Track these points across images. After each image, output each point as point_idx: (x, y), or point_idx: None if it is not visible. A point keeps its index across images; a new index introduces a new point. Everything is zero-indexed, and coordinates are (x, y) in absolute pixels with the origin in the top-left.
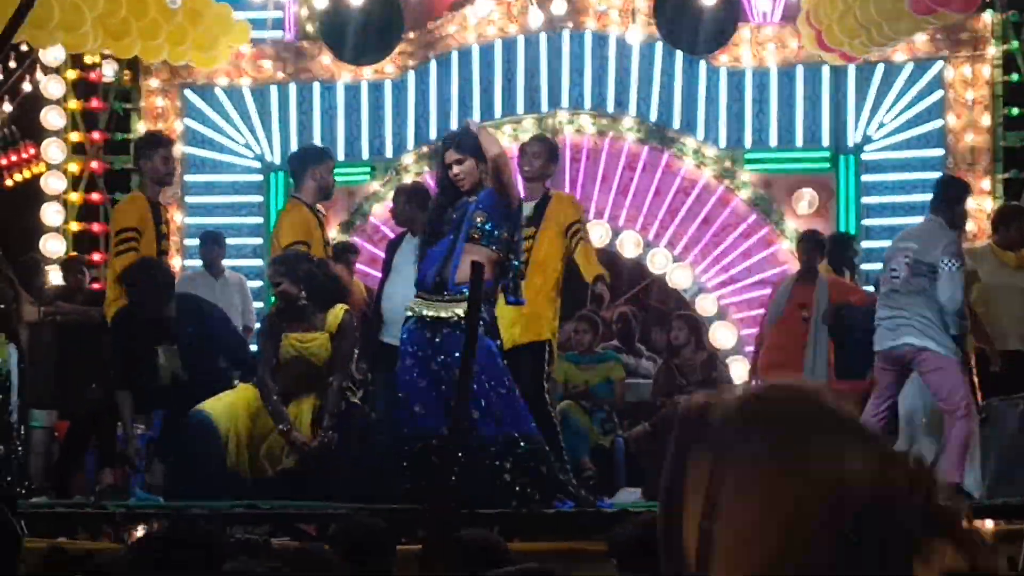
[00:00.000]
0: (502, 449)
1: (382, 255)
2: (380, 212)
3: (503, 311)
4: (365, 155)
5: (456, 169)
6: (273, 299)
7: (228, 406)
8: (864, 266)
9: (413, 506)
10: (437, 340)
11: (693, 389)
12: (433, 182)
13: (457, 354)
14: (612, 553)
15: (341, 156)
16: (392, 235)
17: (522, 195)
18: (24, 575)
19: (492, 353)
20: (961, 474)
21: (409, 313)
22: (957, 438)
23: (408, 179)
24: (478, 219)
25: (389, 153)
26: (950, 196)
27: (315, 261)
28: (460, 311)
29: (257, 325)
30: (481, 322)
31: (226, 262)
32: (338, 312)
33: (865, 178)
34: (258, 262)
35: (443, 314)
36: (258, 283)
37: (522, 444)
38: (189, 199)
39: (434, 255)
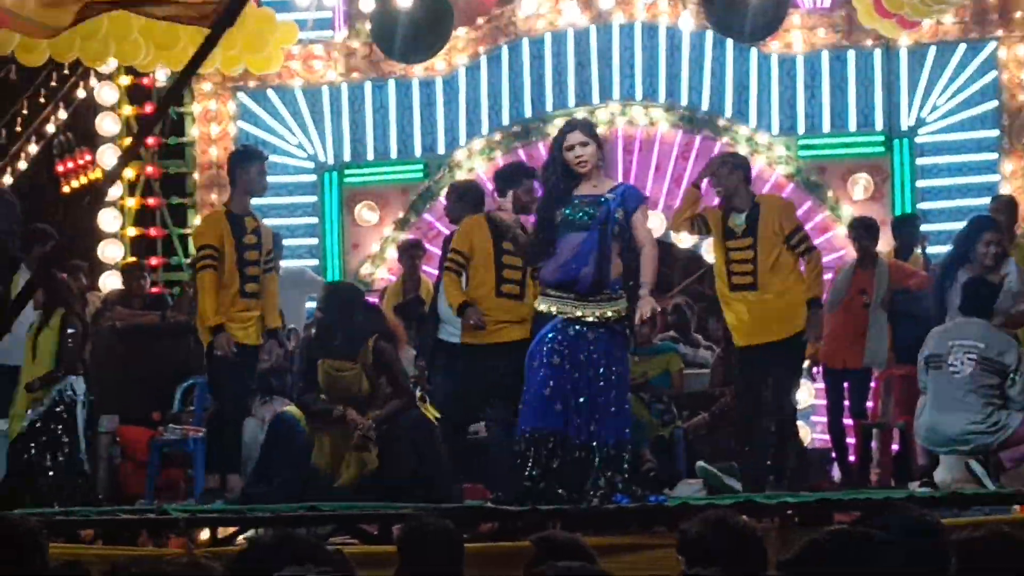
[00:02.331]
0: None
1: (437, 252)
2: (434, 209)
3: None
4: (418, 152)
5: (581, 151)
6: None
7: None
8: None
9: (479, 504)
10: (593, 339)
11: None
12: (492, 173)
13: (613, 351)
14: (681, 550)
15: (394, 154)
16: (447, 232)
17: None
18: None
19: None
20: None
21: (554, 311)
22: None
23: (460, 175)
24: (619, 215)
25: (441, 150)
26: (985, 298)
27: (358, 296)
28: (612, 311)
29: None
30: (622, 323)
31: (282, 263)
32: (368, 344)
33: (920, 161)
34: (313, 262)
35: (599, 313)
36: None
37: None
38: None
39: (580, 254)
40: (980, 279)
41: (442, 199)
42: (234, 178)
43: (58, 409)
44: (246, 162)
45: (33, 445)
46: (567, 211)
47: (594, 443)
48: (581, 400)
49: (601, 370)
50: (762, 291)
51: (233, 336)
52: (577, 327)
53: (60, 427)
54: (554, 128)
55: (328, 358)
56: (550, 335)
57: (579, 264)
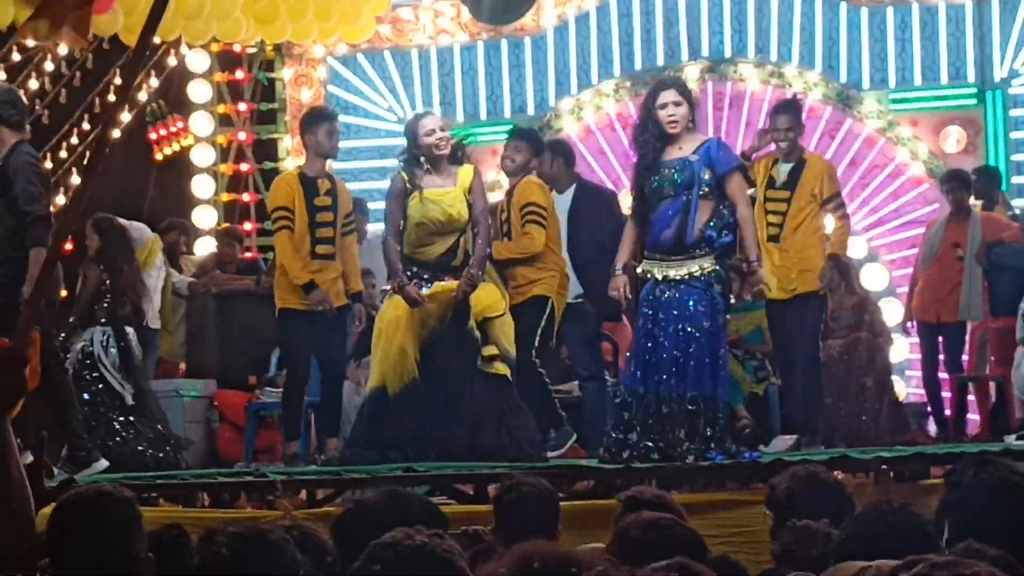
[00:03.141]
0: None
1: None
2: None
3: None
4: (507, 114)
5: (673, 111)
6: None
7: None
8: (1016, 201)
9: (575, 463)
10: (676, 296)
11: (846, 333)
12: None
13: (693, 306)
14: (769, 504)
15: (483, 116)
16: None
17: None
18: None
19: (718, 311)
20: None
21: (646, 275)
22: None
23: (550, 136)
24: (706, 175)
25: (531, 111)
26: None
27: None
28: (698, 267)
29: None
30: (709, 279)
31: (370, 227)
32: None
33: (1013, 113)
34: None
35: (683, 272)
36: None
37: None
38: (336, 165)
39: (665, 219)
40: None
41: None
42: (305, 141)
43: (82, 368)
44: (313, 124)
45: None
46: (655, 180)
47: (676, 397)
48: (664, 356)
49: (682, 325)
50: (783, 245)
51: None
52: (662, 287)
53: (87, 384)
54: (643, 88)
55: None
56: (642, 297)
57: (662, 227)
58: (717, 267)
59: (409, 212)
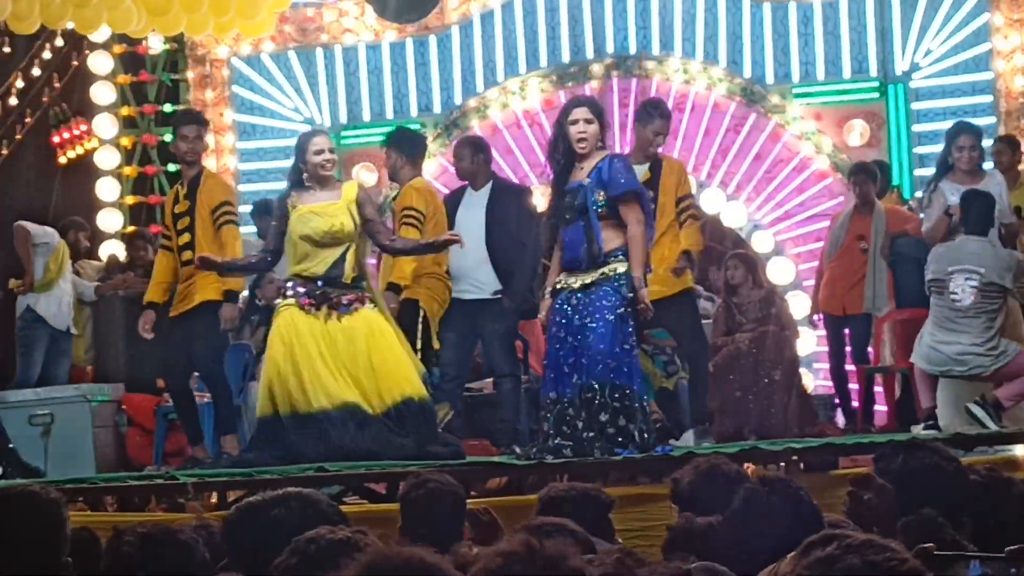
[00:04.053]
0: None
1: None
2: (433, 169)
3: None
4: (414, 112)
5: (584, 128)
6: None
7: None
8: (919, 193)
9: (486, 460)
10: (587, 300)
11: (753, 327)
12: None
13: (598, 301)
14: (674, 498)
15: (390, 114)
16: (446, 190)
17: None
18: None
19: (625, 305)
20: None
21: (560, 287)
22: None
23: (458, 133)
24: (599, 197)
25: (437, 109)
26: (983, 211)
27: None
28: (609, 269)
29: None
30: (613, 280)
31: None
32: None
33: (915, 106)
34: None
35: (593, 277)
36: None
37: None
38: (242, 166)
39: (575, 241)
40: (975, 192)
41: (441, 157)
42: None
43: None
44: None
45: None
46: (561, 205)
47: (582, 389)
48: (572, 360)
49: (588, 322)
50: (652, 246)
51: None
52: (577, 294)
53: None
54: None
55: None
56: (555, 306)
57: (571, 251)
58: (627, 267)
59: (291, 228)
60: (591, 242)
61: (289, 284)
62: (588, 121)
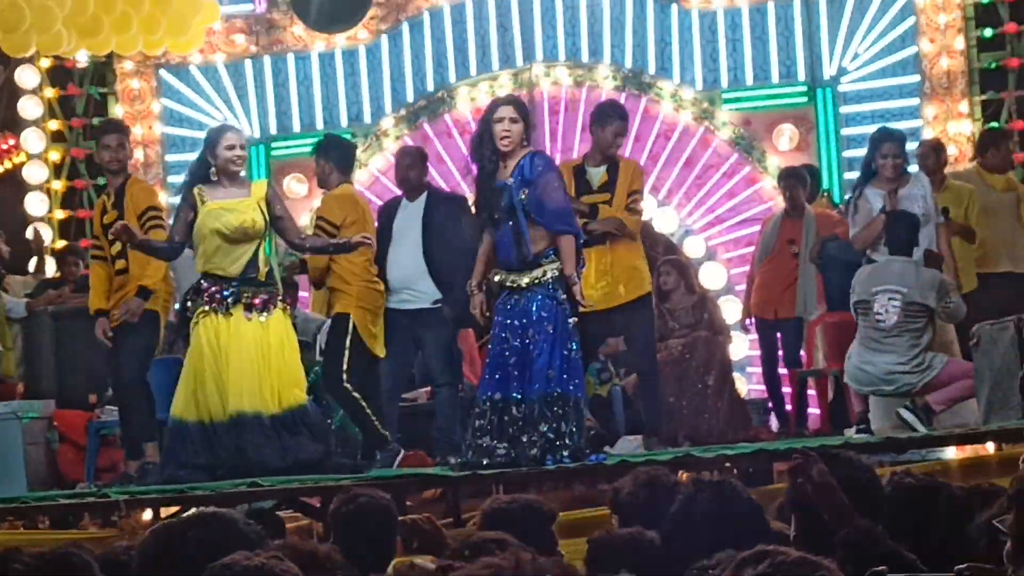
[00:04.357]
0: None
1: None
2: (364, 179)
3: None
4: (344, 123)
5: (508, 127)
6: None
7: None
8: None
9: (420, 472)
10: (522, 303)
11: (685, 332)
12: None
13: (536, 310)
14: (614, 509)
15: (320, 124)
16: (378, 201)
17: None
18: None
19: (563, 311)
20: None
21: (499, 281)
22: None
23: (388, 143)
24: (523, 196)
25: (368, 119)
26: (906, 231)
27: None
28: (541, 271)
29: None
30: (551, 285)
31: None
32: None
33: (844, 109)
34: None
35: (527, 279)
36: None
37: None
38: (171, 178)
39: (505, 243)
40: (900, 213)
41: (372, 167)
42: None
43: None
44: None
45: None
46: (488, 205)
47: (524, 399)
48: (513, 361)
49: (528, 329)
50: (612, 248)
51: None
52: (513, 295)
53: None
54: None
55: None
56: (497, 305)
57: (503, 250)
58: (558, 268)
59: (199, 224)
60: (520, 244)
61: (204, 284)
62: (513, 120)
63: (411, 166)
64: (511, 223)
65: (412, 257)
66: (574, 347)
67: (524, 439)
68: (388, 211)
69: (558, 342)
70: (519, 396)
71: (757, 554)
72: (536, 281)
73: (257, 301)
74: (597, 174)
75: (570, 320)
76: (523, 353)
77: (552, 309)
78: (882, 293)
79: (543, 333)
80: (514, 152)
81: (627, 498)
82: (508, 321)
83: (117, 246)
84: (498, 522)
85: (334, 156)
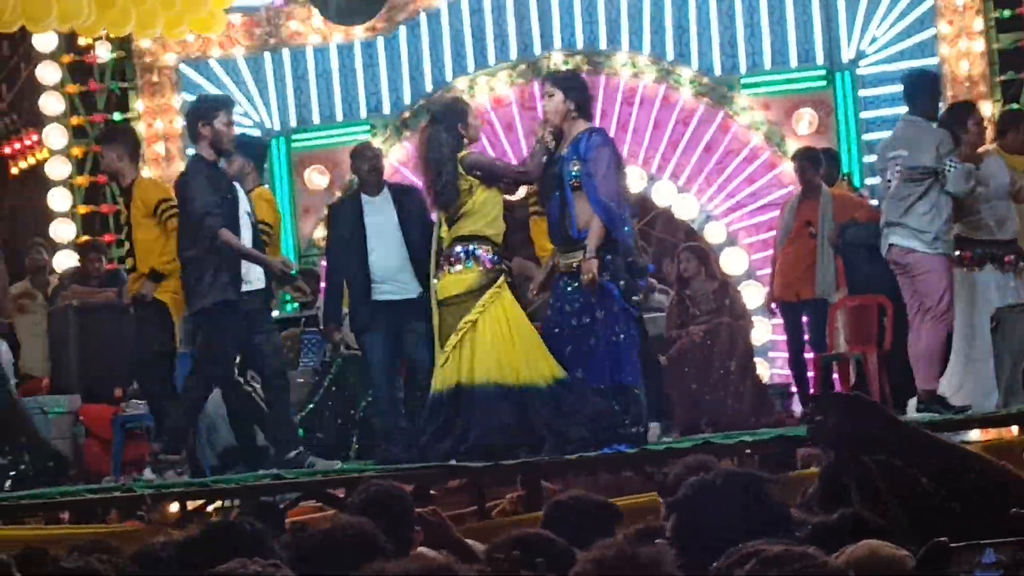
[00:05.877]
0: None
1: None
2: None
3: None
4: (363, 114)
5: (547, 104)
6: None
7: None
8: (869, 180)
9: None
10: (572, 288)
11: (707, 318)
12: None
13: (578, 301)
14: (661, 493)
15: (340, 116)
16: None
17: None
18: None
19: (610, 297)
20: (935, 379)
21: (560, 265)
22: (931, 343)
23: (408, 134)
24: (574, 169)
25: (387, 110)
26: (921, 91)
27: None
28: (578, 257)
29: None
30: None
31: None
32: None
33: (862, 93)
34: None
35: (576, 259)
36: None
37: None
38: None
39: (553, 218)
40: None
41: (392, 159)
42: None
43: None
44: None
45: None
46: (544, 178)
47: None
48: (568, 349)
49: (575, 318)
50: None
51: None
52: (565, 278)
53: None
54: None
55: None
56: (555, 289)
57: (552, 223)
58: (607, 256)
59: None
60: (564, 218)
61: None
62: (550, 95)
63: (373, 168)
64: (558, 194)
65: (395, 249)
66: (626, 329)
67: (572, 425)
68: (350, 210)
69: (604, 332)
70: (577, 380)
71: (741, 556)
72: (577, 265)
73: None
74: None
75: (621, 305)
76: (570, 339)
77: (599, 298)
78: (891, 160)
79: (594, 323)
80: (572, 127)
81: (674, 482)
82: (561, 306)
83: (126, 245)
84: (560, 521)
85: (251, 154)
